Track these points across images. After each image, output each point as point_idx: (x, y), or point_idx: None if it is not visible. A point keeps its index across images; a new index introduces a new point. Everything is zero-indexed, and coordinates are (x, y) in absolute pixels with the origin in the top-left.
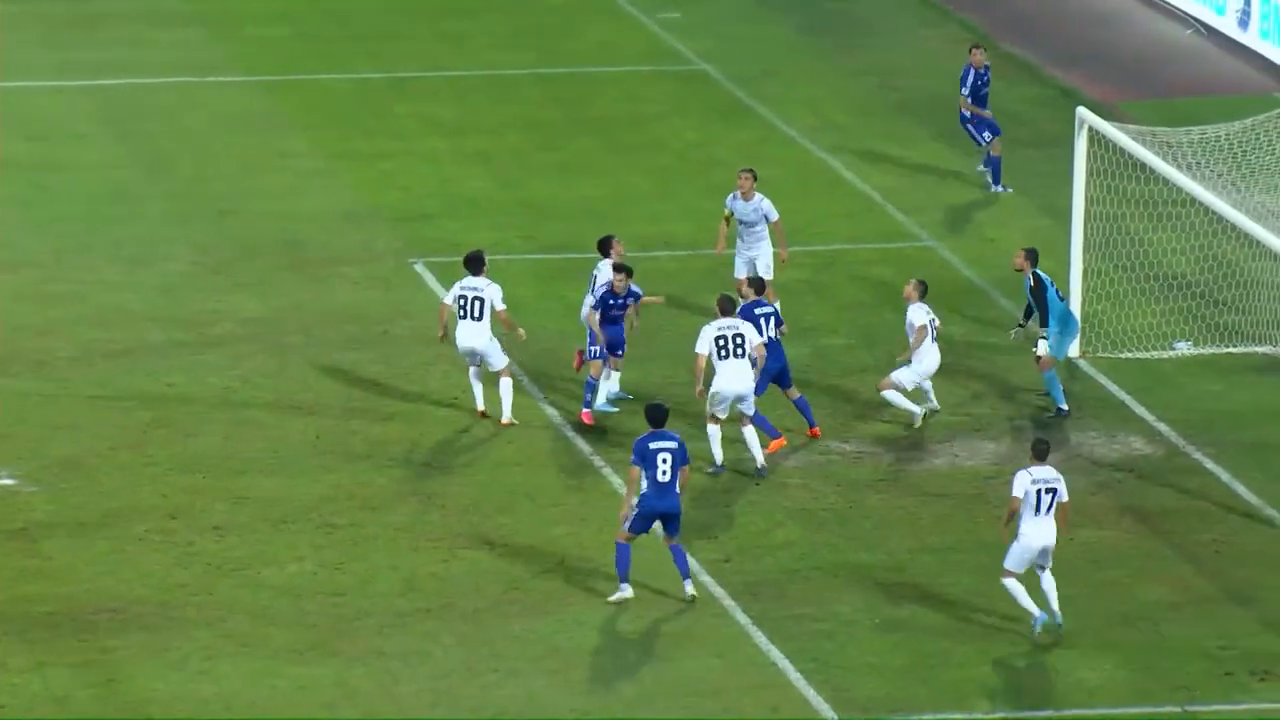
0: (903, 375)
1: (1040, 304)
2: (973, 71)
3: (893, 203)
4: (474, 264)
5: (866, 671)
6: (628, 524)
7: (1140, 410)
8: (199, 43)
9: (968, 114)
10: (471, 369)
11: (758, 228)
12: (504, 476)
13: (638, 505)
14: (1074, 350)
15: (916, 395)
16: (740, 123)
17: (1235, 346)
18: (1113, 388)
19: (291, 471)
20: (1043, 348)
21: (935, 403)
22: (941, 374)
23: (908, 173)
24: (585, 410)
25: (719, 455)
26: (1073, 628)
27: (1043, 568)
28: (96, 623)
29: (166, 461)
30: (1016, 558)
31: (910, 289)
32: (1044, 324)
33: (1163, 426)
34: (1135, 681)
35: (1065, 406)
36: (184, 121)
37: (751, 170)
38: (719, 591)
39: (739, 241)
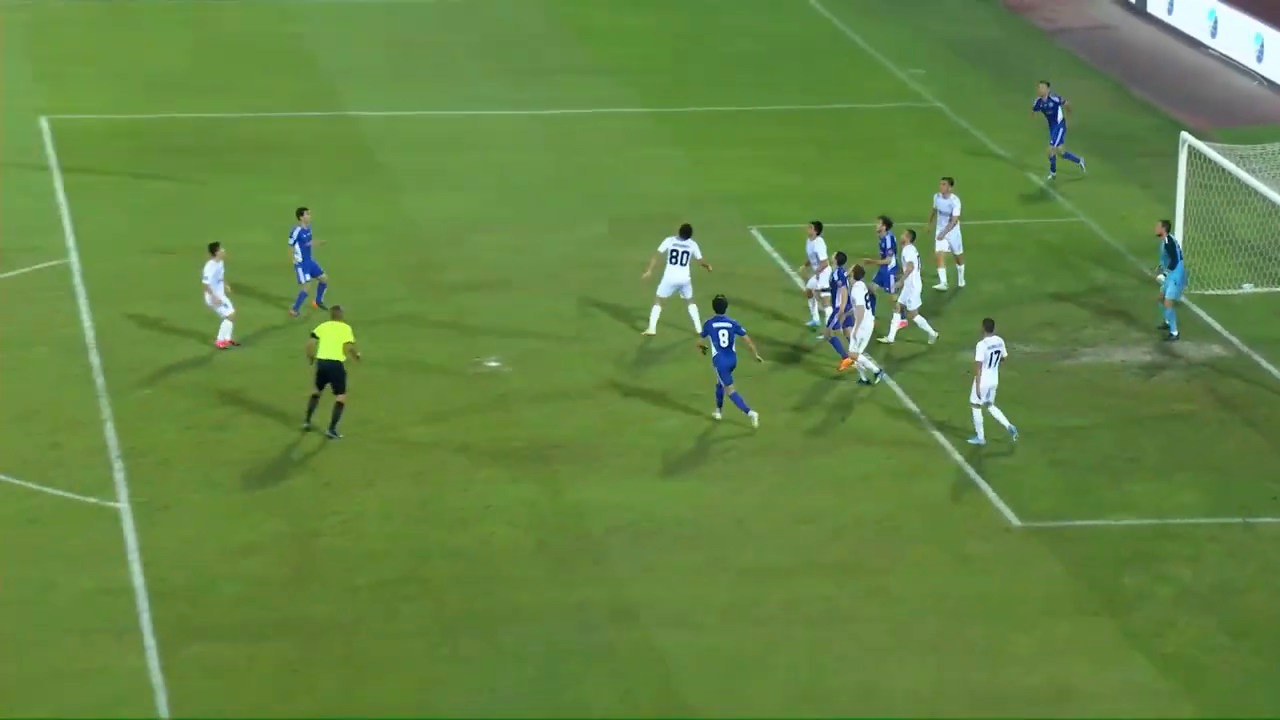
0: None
1: (1172, 258)
2: (1040, 100)
3: (1058, 192)
4: (685, 232)
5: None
6: (720, 378)
7: (1218, 327)
8: (608, 85)
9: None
10: (660, 304)
11: (948, 218)
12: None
13: (714, 363)
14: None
15: (920, 332)
16: (959, 141)
17: None
18: (1200, 312)
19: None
20: (1170, 289)
21: (933, 333)
22: (1084, 304)
23: (1065, 174)
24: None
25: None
26: (1165, 463)
27: (989, 403)
28: (548, 454)
29: (598, 350)
30: (975, 392)
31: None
32: (1172, 270)
33: (1234, 338)
34: (1209, 503)
35: (1175, 332)
36: (597, 138)
37: (949, 178)
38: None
39: (937, 226)
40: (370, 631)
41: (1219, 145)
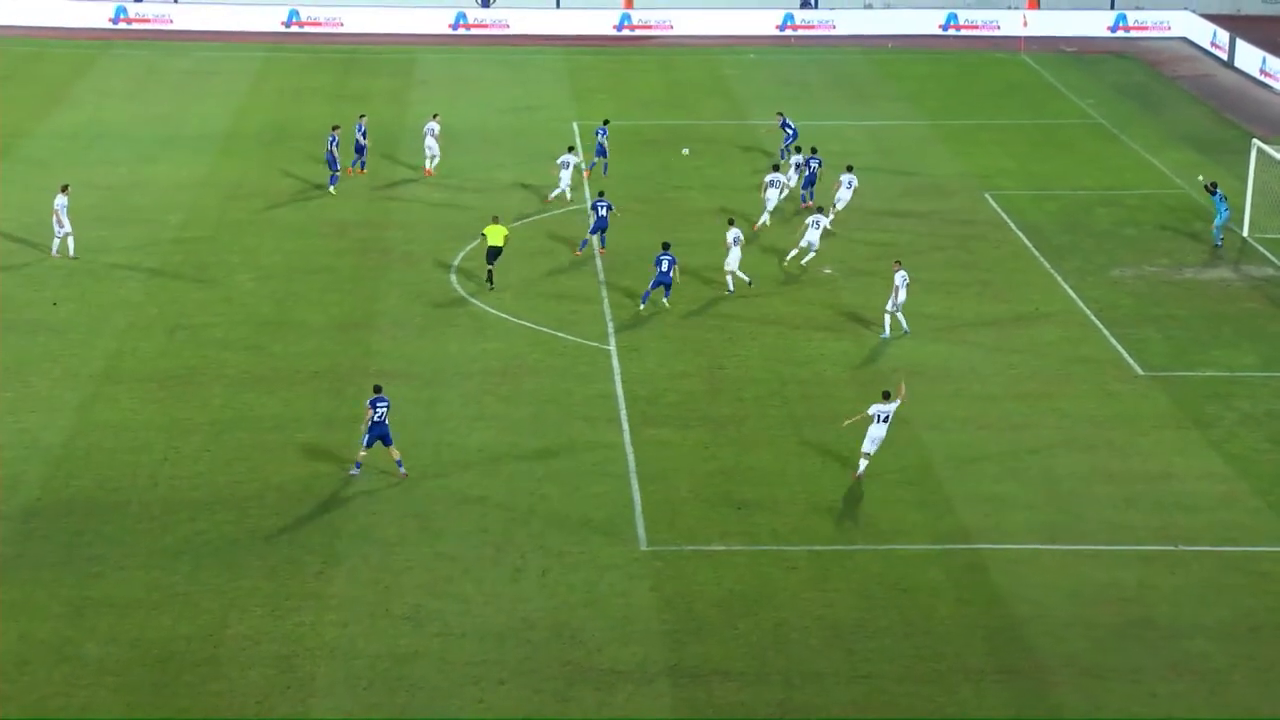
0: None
1: (1218, 207)
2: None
3: (1173, 173)
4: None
5: None
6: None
7: (1271, 256)
8: (904, 112)
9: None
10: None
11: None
12: None
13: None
14: (1245, 230)
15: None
16: (1113, 142)
17: None
18: (1262, 249)
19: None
20: (1219, 220)
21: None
22: (1186, 241)
23: (1181, 164)
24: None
25: None
26: (1235, 336)
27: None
28: None
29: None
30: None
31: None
32: (1219, 215)
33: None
34: (1262, 363)
35: (1220, 243)
36: (891, 140)
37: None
38: None
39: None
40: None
41: (1277, 147)
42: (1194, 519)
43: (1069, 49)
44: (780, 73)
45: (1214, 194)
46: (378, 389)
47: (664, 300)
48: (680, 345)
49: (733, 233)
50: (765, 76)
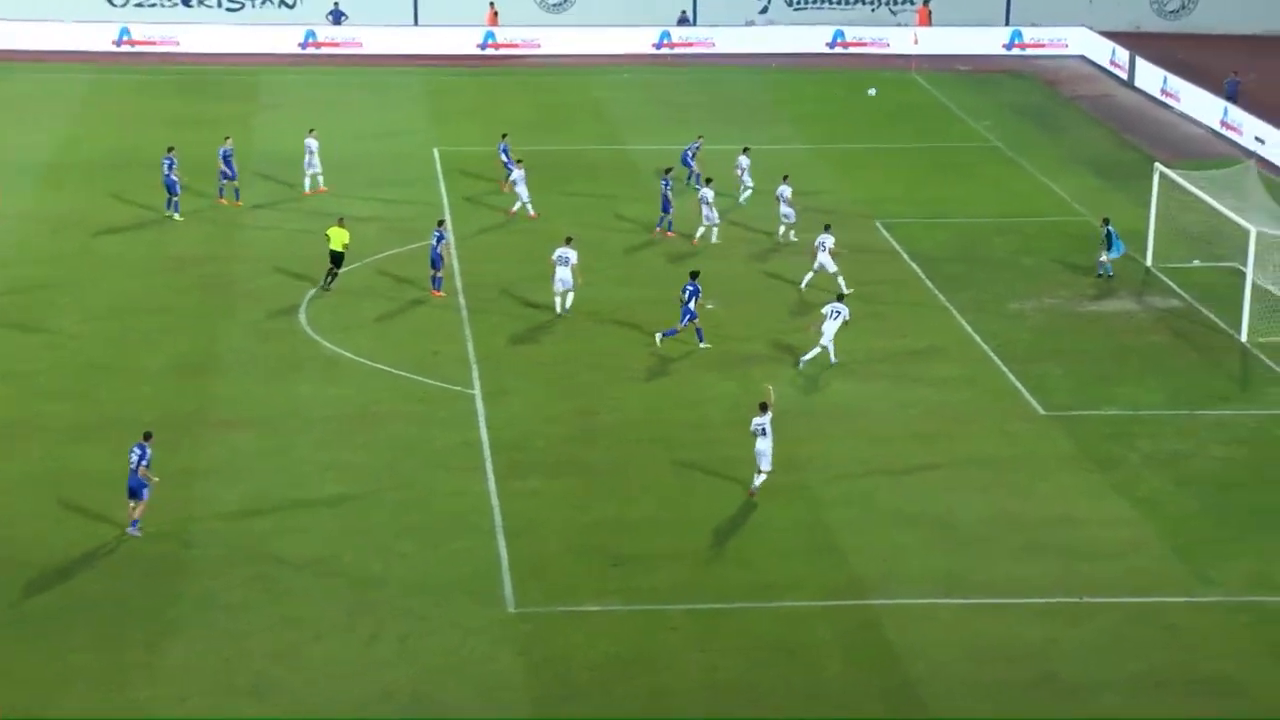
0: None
1: (1109, 242)
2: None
3: (1073, 199)
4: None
5: None
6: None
7: (1175, 287)
8: (789, 135)
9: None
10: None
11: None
12: None
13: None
14: (1148, 260)
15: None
16: (1009, 167)
17: (1216, 263)
18: (1165, 279)
19: None
20: (1110, 255)
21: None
22: (1089, 272)
23: (1081, 189)
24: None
25: None
26: (1139, 373)
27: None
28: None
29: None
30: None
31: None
32: (1109, 249)
33: (1186, 295)
34: (1167, 400)
35: (1111, 274)
36: (776, 166)
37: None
38: None
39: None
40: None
41: (1179, 171)
42: (1098, 568)
43: (963, 68)
44: (658, 93)
45: (1106, 230)
46: (146, 435)
47: (698, 341)
48: (551, 387)
49: (560, 252)
50: (641, 97)
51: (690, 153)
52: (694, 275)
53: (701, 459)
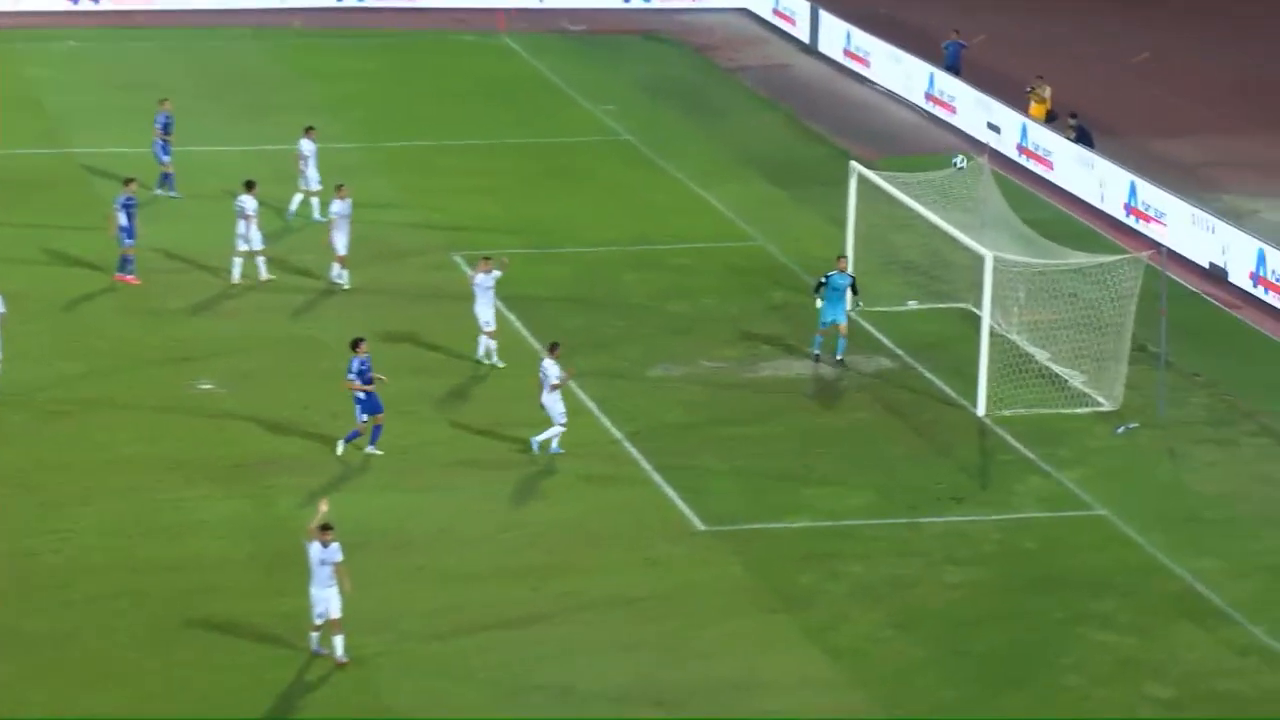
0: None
1: (853, 289)
2: None
3: (740, 217)
4: None
5: None
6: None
7: (885, 340)
8: (323, 127)
9: None
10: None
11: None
12: None
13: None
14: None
15: None
16: (648, 170)
17: (941, 303)
18: (869, 327)
19: None
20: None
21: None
22: (764, 321)
23: (750, 201)
24: None
25: None
26: (838, 468)
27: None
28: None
29: (310, 371)
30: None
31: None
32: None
33: (900, 351)
34: (879, 504)
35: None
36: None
37: (340, 184)
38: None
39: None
40: (84, 644)
41: (885, 173)
42: None
43: (574, 27)
44: (119, 70)
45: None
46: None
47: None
48: None
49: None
50: (92, 77)
51: (162, 145)
52: (356, 345)
53: (197, 617)
